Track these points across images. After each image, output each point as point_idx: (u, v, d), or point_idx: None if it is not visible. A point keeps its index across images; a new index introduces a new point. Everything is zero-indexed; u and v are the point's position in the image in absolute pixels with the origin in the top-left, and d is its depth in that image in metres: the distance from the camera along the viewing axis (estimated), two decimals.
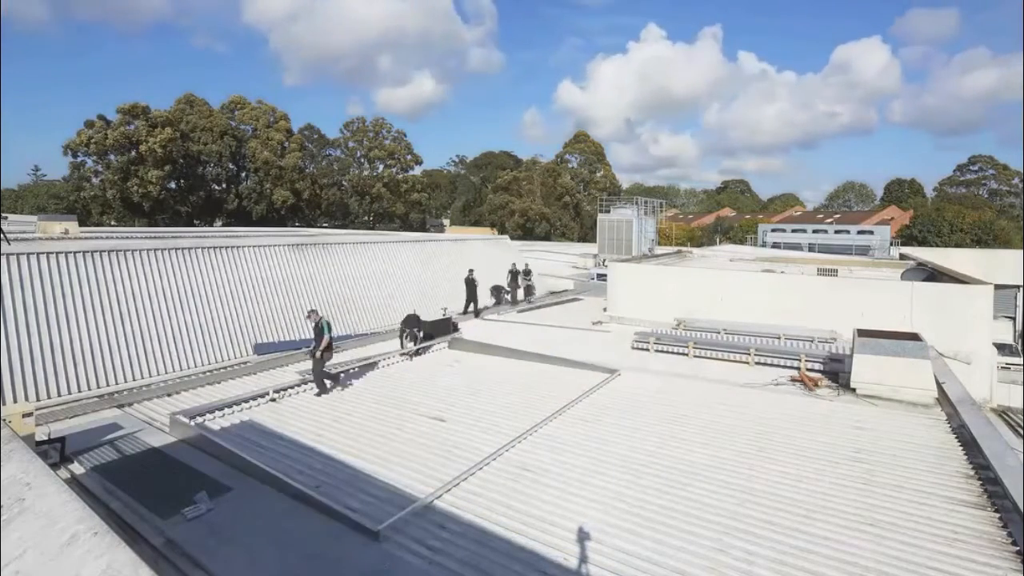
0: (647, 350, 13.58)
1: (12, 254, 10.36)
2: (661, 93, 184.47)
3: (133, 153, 50.68)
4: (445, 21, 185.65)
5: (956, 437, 8.16)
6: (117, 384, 10.56)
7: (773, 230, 69.77)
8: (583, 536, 5.53)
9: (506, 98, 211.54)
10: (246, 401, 9.42)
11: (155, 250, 12.64)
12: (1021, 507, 5.57)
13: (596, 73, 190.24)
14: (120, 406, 9.56)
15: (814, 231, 67.60)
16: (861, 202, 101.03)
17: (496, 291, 21.02)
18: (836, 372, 11.14)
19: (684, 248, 42.21)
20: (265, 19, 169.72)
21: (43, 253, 10.84)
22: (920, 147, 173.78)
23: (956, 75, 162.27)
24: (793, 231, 68.86)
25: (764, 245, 62.12)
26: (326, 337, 10.01)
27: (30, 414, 7.26)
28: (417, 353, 13.22)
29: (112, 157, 51.06)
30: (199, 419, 8.57)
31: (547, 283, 26.74)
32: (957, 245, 52.22)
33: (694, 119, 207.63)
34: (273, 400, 9.71)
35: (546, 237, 64.95)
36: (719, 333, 14.28)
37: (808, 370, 11.46)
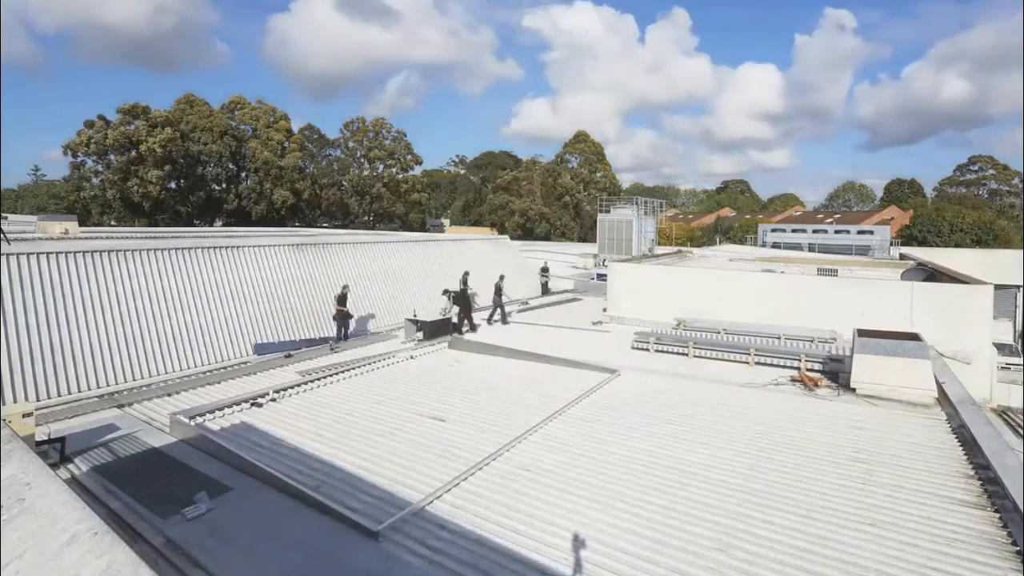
0: (647, 350, 13.57)
1: (12, 254, 10.36)
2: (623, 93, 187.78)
3: (133, 153, 50.66)
4: (484, 60, 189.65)
5: (956, 437, 8.16)
6: (117, 384, 10.57)
7: (773, 230, 69.84)
8: (583, 536, 5.52)
9: (502, 100, 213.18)
10: (246, 401, 9.41)
11: (155, 250, 12.65)
12: (1021, 507, 5.57)
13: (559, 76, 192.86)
14: (120, 406, 9.56)
15: (814, 231, 67.67)
16: (861, 202, 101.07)
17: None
18: (836, 372, 11.13)
19: (684, 248, 42.21)
20: (295, 51, 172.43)
21: (43, 253, 10.85)
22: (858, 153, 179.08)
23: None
24: (793, 231, 68.93)
25: (764, 245, 62.17)
26: None
27: (30, 414, 7.25)
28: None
29: (112, 157, 51.04)
30: (199, 419, 8.57)
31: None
32: (957, 245, 52.25)
33: (657, 120, 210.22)
34: (273, 400, 9.71)
35: (546, 237, 64.98)
36: (719, 333, 14.28)
37: (808, 370, 11.45)
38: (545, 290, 24.78)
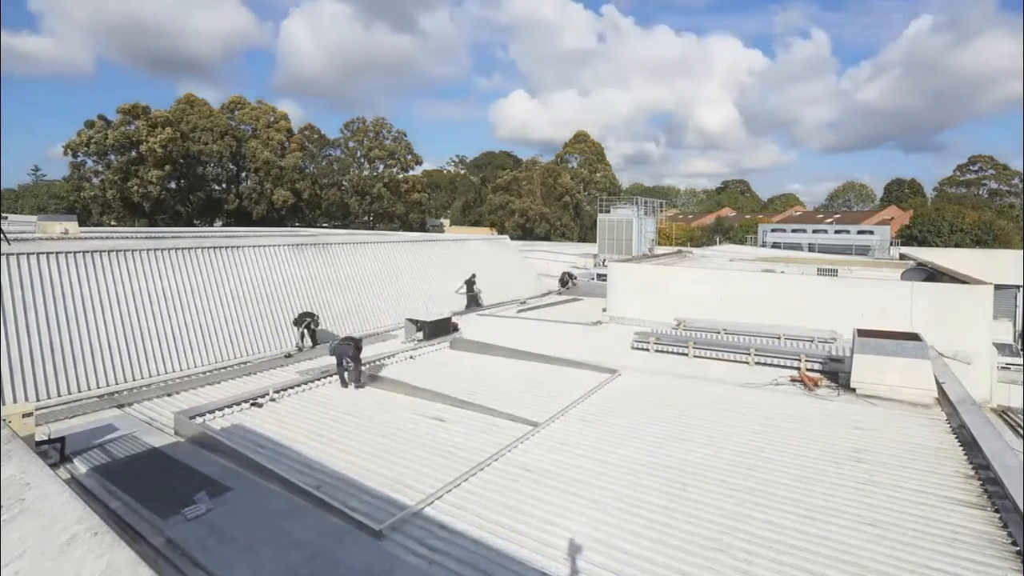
0: (647, 350, 13.57)
1: (12, 254, 10.35)
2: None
3: (133, 153, 50.66)
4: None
5: (956, 437, 8.16)
6: (117, 384, 10.56)
7: (773, 230, 69.79)
8: (583, 536, 5.53)
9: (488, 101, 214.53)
10: (246, 401, 9.42)
11: (155, 250, 12.64)
12: (1021, 507, 5.58)
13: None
14: (120, 406, 9.56)
15: (814, 231, 67.59)
16: (861, 202, 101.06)
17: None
18: (836, 372, 11.13)
19: (684, 248, 42.22)
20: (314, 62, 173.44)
21: (43, 253, 10.84)
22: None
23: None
24: (793, 231, 68.88)
25: (764, 245, 62.11)
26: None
27: (30, 414, 7.25)
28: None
29: (112, 157, 51.02)
30: (199, 419, 8.58)
31: (547, 283, 26.76)
32: (957, 245, 52.21)
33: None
34: (273, 400, 9.71)
35: (546, 237, 64.91)
36: (719, 333, 14.27)
37: (808, 370, 11.45)
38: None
